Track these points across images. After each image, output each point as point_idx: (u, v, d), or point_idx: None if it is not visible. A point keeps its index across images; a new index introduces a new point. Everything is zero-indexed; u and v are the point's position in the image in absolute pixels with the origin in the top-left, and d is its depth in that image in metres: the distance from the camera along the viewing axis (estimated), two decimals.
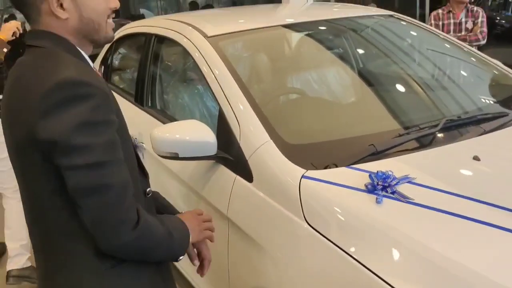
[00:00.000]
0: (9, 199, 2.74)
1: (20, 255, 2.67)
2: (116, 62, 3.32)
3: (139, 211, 1.02)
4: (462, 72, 2.32)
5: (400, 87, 2.13)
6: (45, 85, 0.95)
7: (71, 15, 1.04)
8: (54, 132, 0.93)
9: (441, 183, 1.33)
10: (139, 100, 2.51)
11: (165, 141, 1.62)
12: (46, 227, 1.06)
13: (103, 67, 3.33)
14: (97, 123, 0.96)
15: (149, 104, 2.45)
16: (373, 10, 2.62)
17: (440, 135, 1.61)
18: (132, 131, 2.36)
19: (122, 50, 3.34)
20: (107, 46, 3.29)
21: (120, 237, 0.99)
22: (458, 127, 1.68)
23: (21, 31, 2.63)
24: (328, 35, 2.42)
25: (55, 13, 1.03)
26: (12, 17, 11.05)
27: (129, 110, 2.60)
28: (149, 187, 1.23)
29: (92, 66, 1.12)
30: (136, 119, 2.47)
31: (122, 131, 1.06)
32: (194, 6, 10.38)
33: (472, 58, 2.29)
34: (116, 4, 1.11)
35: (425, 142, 1.58)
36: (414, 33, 2.48)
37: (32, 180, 1.04)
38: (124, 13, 10.30)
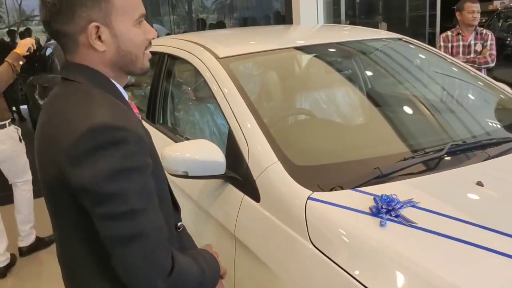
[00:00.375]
0: (20, 190, 3.31)
1: (29, 234, 3.40)
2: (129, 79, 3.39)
3: (173, 256, 1.00)
4: (469, 96, 2.35)
5: (406, 110, 2.17)
6: (77, 130, 0.92)
7: (109, 48, 1.03)
8: (85, 180, 0.90)
9: (444, 208, 1.35)
10: (150, 117, 2.57)
11: (176, 159, 1.66)
12: (75, 265, 1.05)
13: None
14: (131, 170, 0.92)
15: (161, 121, 2.51)
16: (382, 33, 2.67)
17: (444, 159, 1.63)
18: None
19: None
20: None
21: (154, 286, 0.96)
22: (463, 151, 1.70)
23: (35, 47, 3.03)
24: (337, 58, 2.47)
25: (93, 45, 1.01)
26: (28, 30, 11.32)
27: None
28: (181, 221, 1.23)
29: (127, 99, 1.10)
30: None
31: (157, 171, 1.04)
32: (201, 23, 10.55)
33: (479, 82, 2.32)
34: (154, 35, 1.10)
35: (429, 166, 1.61)
36: (422, 56, 2.52)
37: (62, 218, 1.03)
38: None
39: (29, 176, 3.35)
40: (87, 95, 0.99)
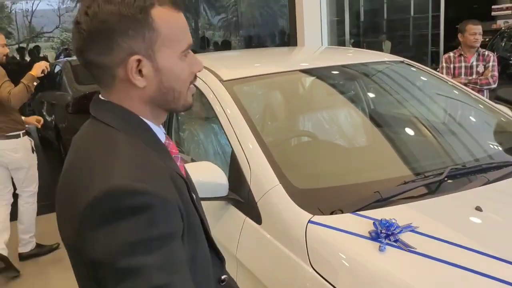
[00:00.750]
0: (24, 201, 3.45)
1: (29, 243, 3.54)
2: None
3: None
4: (469, 119, 2.38)
5: (407, 133, 2.19)
6: (93, 191, 0.79)
7: (150, 83, 0.89)
8: (99, 252, 0.78)
9: (443, 233, 1.37)
10: None
11: None
12: None
13: None
14: (153, 240, 0.78)
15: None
16: (385, 56, 2.71)
17: (444, 183, 1.65)
18: None
19: None
20: None
21: None
22: (462, 175, 1.72)
23: (49, 69, 3.30)
24: (341, 81, 2.51)
25: (132, 80, 0.88)
26: (37, 48, 11.55)
27: None
28: (225, 273, 1.12)
29: (164, 140, 0.97)
30: None
31: (193, 230, 0.91)
32: (204, 41, 10.71)
33: (479, 105, 2.35)
34: (200, 68, 0.97)
35: (429, 190, 1.63)
36: (424, 79, 2.56)
37: (80, 277, 0.92)
38: None
39: (35, 189, 3.52)
40: (112, 145, 0.86)
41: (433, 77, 2.50)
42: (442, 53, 7.79)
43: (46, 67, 3.24)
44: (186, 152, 2.50)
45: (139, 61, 0.87)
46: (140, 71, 0.88)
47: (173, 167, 0.92)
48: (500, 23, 10.14)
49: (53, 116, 5.70)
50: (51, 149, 6.36)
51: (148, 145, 0.89)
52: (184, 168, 1.03)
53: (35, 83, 3.19)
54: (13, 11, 18.92)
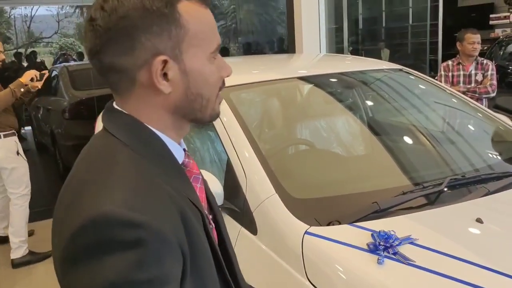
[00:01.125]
0: (13, 203, 3.46)
1: (20, 247, 3.49)
2: None
3: None
4: (468, 128, 2.35)
5: (406, 143, 2.17)
6: (80, 217, 0.67)
7: (176, 89, 0.76)
8: None
9: (443, 246, 1.34)
10: None
11: None
12: None
13: None
14: (140, 284, 0.65)
15: None
16: (383, 64, 2.69)
17: (444, 194, 1.62)
18: None
19: None
20: None
21: None
22: (462, 185, 1.69)
23: (38, 78, 3.34)
24: (339, 89, 2.49)
25: (157, 85, 0.74)
26: (33, 53, 11.54)
27: None
28: None
29: (183, 159, 0.82)
30: None
31: (201, 271, 0.75)
32: None
33: (478, 114, 2.33)
34: (230, 72, 0.83)
35: (428, 201, 1.60)
36: (422, 87, 2.54)
37: None
38: None
39: (24, 191, 3.51)
40: (111, 162, 0.73)
41: (432, 86, 2.48)
42: (440, 61, 7.81)
43: (35, 75, 3.33)
44: None
45: (165, 62, 0.74)
46: (165, 75, 0.75)
47: (188, 193, 0.77)
48: (498, 31, 10.18)
49: (49, 121, 5.66)
50: (47, 154, 6.32)
51: (157, 166, 0.75)
52: (205, 190, 0.88)
53: (22, 89, 3.30)
54: (12, 16, 18.93)
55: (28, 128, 7.80)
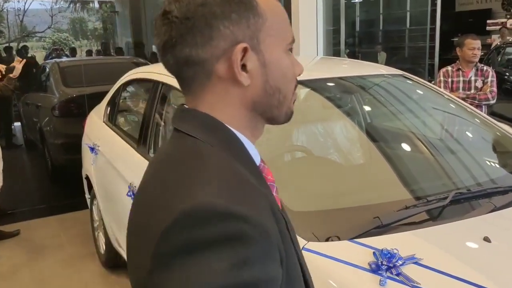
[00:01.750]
0: None
1: None
2: (122, 105, 3.31)
3: None
4: (474, 139, 2.27)
5: (408, 153, 2.08)
6: (171, 212, 0.59)
7: (254, 82, 0.71)
8: None
9: (450, 267, 1.25)
10: (141, 146, 2.47)
11: None
12: None
13: (109, 108, 3.34)
14: (244, 286, 0.57)
15: (152, 151, 2.41)
16: (384, 69, 2.60)
17: (449, 209, 1.54)
18: (132, 178, 2.34)
19: (129, 93, 3.34)
20: (114, 88, 3.31)
21: None
22: (467, 200, 1.61)
23: (4, 73, 3.45)
24: (337, 94, 2.40)
25: (236, 76, 0.69)
26: (24, 47, 11.37)
27: (130, 155, 2.56)
28: None
29: (259, 162, 0.75)
30: (137, 166, 2.43)
31: (293, 280, 0.68)
32: None
33: (483, 124, 2.25)
34: (301, 70, 0.79)
35: (432, 216, 1.52)
36: (426, 95, 2.45)
37: None
38: (138, 51, 10.49)
39: None
40: (197, 157, 0.67)
41: (436, 93, 2.39)
42: (437, 66, 7.77)
43: (0, 70, 3.42)
44: None
45: (245, 51, 0.69)
46: (243, 67, 0.69)
47: (270, 197, 0.71)
48: (495, 37, 10.16)
49: (38, 118, 5.52)
50: (36, 151, 6.18)
51: (242, 166, 0.68)
52: (280, 200, 0.79)
53: None
54: (5, 10, 18.68)
55: (18, 124, 7.65)
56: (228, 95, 0.71)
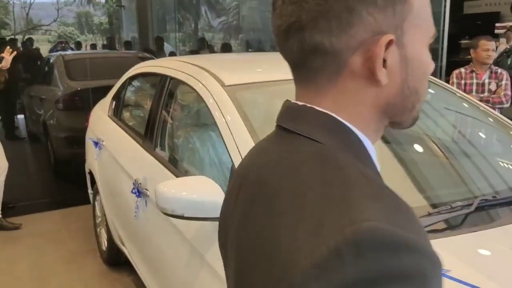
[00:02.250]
0: None
1: None
2: (127, 99, 3.24)
3: None
4: (496, 143, 2.18)
5: (426, 156, 1.99)
6: (323, 240, 0.47)
7: (393, 80, 0.59)
8: None
9: (479, 280, 1.16)
10: (147, 141, 2.39)
11: (170, 198, 1.49)
12: None
13: (114, 102, 3.26)
14: None
15: (158, 147, 2.34)
16: None
17: (473, 216, 1.45)
18: (137, 174, 2.26)
19: (134, 88, 3.26)
20: (120, 82, 3.23)
21: None
22: (492, 207, 1.52)
23: None
24: None
25: (376, 72, 0.57)
26: (30, 40, 11.30)
27: (135, 151, 2.48)
28: None
29: (377, 166, 0.63)
30: (142, 162, 2.36)
31: None
32: (202, 42, 10.58)
33: (503, 127, 2.16)
34: (433, 68, 0.65)
35: (456, 224, 1.43)
36: (449, 98, 2.36)
37: None
38: (142, 46, 10.43)
39: None
40: (334, 169, 0.54)
41: (456, 96, 2.30)
42: (444, 67, 7.69)
43: None
44: (180, 160, 2.29)
45: (389, 44, 0.57)
46: (383, 61, 0.57)
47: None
48: (503, 41, 10.06)
49: (42, 111, 5.45)
50: (39, 144, 6.11)
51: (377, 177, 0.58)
52: None
53: None
54: (11, 2, 18.65)
55: (21, 116, 7.59)
56: (359, 94, 0.59)
